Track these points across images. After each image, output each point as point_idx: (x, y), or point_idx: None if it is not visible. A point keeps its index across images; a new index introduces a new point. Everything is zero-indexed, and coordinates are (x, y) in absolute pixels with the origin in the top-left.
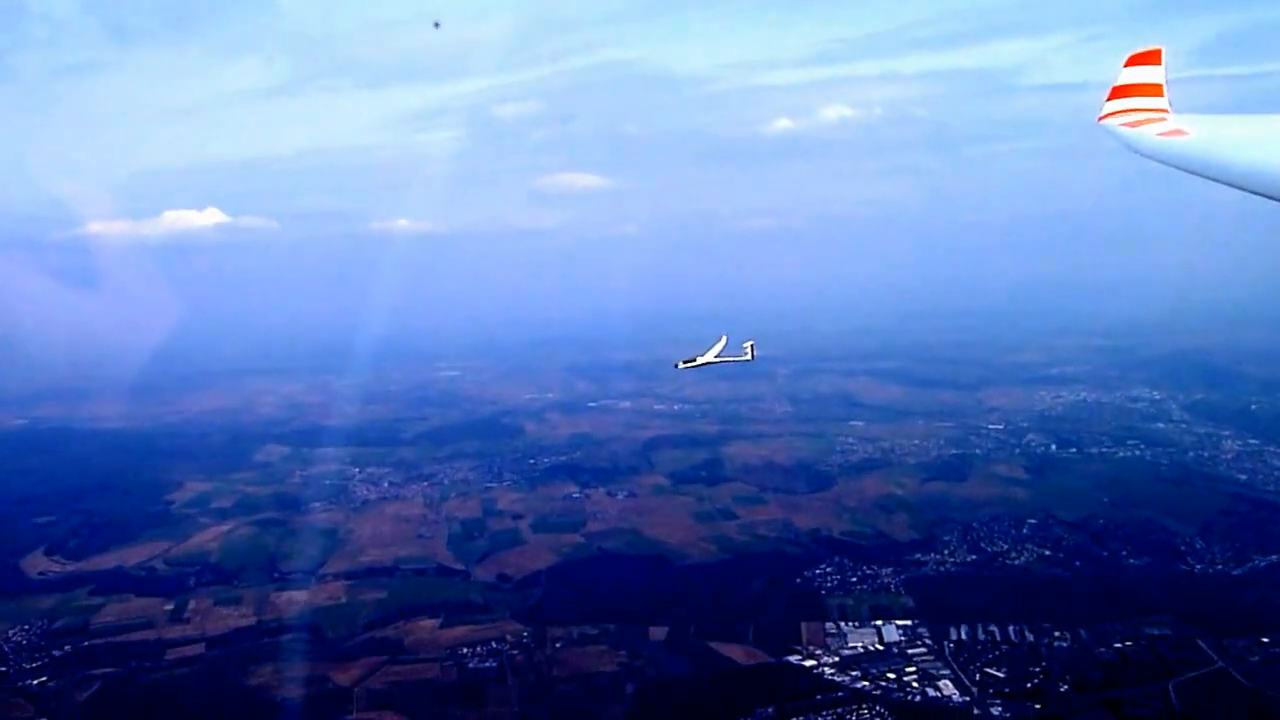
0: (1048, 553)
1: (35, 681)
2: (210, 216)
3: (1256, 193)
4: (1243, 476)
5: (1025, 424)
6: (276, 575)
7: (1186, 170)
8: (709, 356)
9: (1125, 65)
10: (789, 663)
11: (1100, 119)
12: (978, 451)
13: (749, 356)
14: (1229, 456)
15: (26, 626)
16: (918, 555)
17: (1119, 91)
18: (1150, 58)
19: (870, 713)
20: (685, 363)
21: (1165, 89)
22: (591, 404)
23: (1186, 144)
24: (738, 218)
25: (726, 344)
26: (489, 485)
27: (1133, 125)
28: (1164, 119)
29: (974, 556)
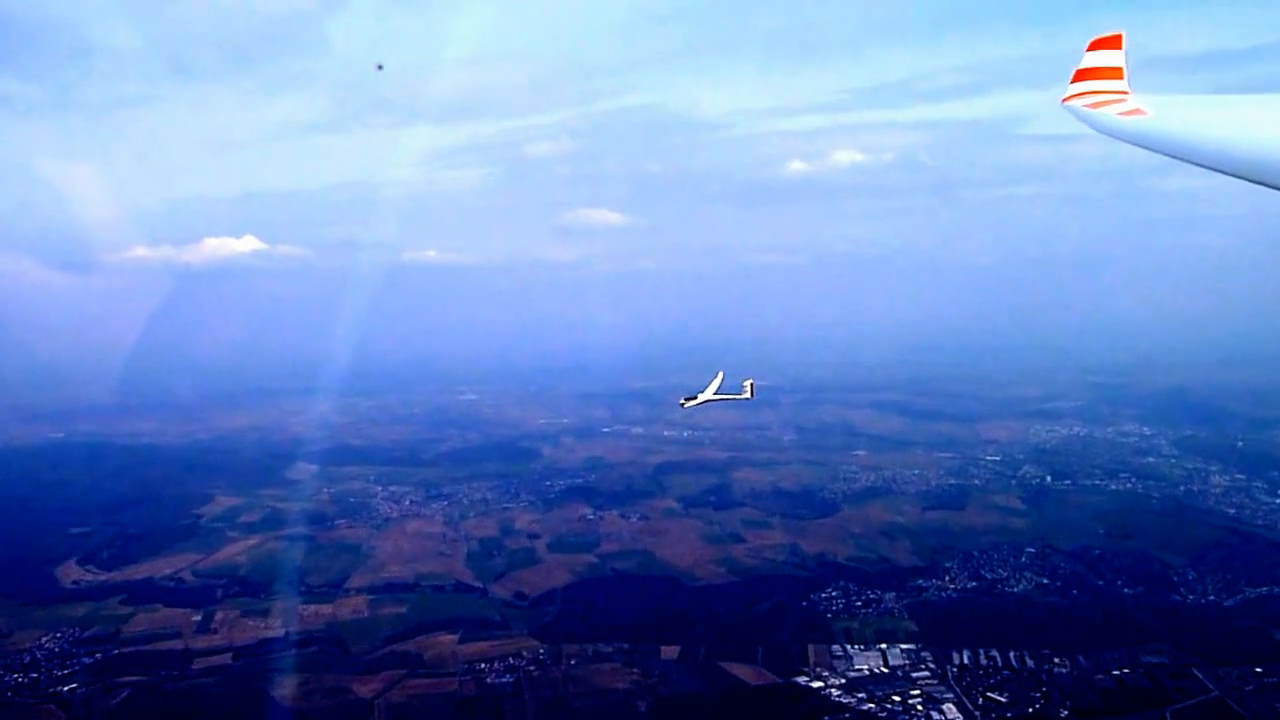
0: (1045, 581)
1: (66, 688)
2: (248, 244)
3: (1209, 168)
4: (1231, 510)
5: (1021, 456)
6: (302, 588)
7: (1145, 148)
8: (708, 394)
9: (1088, 50)
10: (797, 683)
11: (1064, 100)
12: (976, 482)
13: (748, 395)
14: (1218, 491)
15: (58, 634)
16: (920, 581)
17: (1082, 74)
18: (1112, 43)
19: None
20: (688, 400)
21: (1125, 72)
22: (605, 429)
23: (1145, 123)
24: (747, 253)
25: (724, 380)
26: (507, 505)
27: (1094, 106)
28: (1124, 100)
29: (974, 583)
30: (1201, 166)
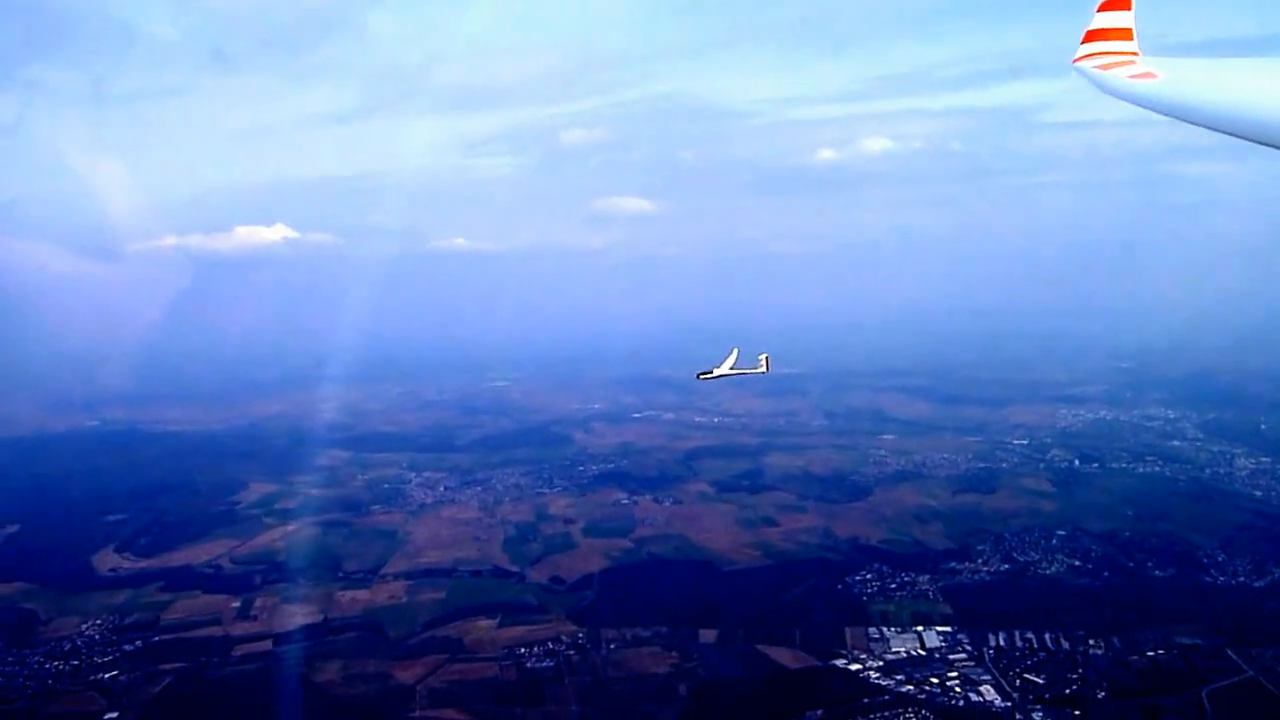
0: (1077, 563)
1: (107, 675)
2: (278, 232)
3: (1219, 130)
4: (1258, 493)
5: (1048, 440)
6: (339, 575)
7: (1155, 110)
8: (724, 369)
9: (1098, 11)
10: (835, 666)
11: (1074, 61)
12: (1004, 465)
13: (764, 369)
14: (1243, 474)
15: (98, 621)
16: (953, 564)
17: (1091, 35)
18: (1121, 3)
19: (916, 717)
20: (703, 375)
21: (1135, 33)
22: (636, 415)
23: (1155, 86)
24: (773, 240)
25: (739, 357)
26: (540, 491)
27: (1104, 68)
28: (1134, 62)
29: (1007, 566)
30: (1212, 129)
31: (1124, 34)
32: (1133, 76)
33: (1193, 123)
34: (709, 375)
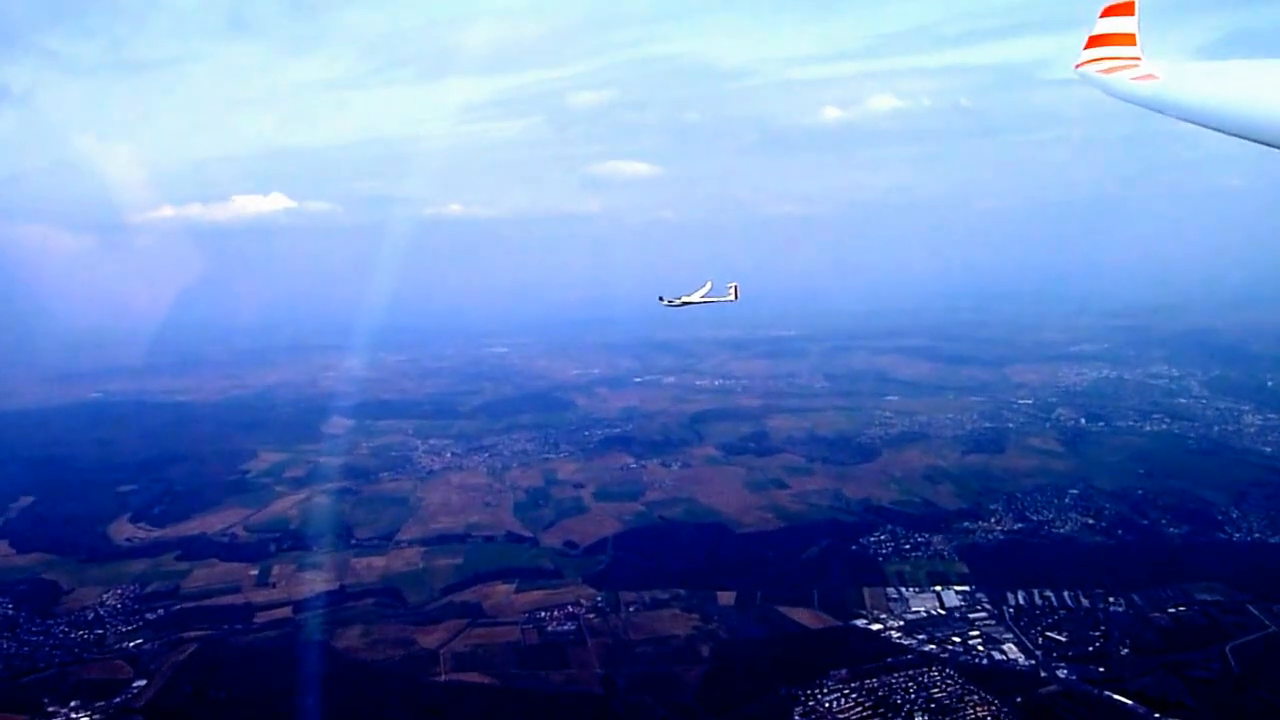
0: (1091, 521)
1: (132, 644)
2: (276, 201)
3: (1222, 131)
4: (1268, 449)
5: (1053, 399)
6: (353, 541)
7: (1158, 111)
8: (695, 297)
9: (1101, 16)
10: (856, 626)
11: (1077, 66)
12: (1010, 425)
13: (733, 297)
14: (1252, 430)
15: (120, 590)
16: (966, 524)
17: (1095, 40)
18: (1124, 9)
19: (940, 675)
20: (670, 301)
21: (1138, 38)
22: (636, 379)
23: (1157, 88)
24: (771, 203)
25: (711, 287)
26: (547, 456)
27: (1107, 71)
28: (1136, 65)
29: (1020, 525)
30: (1215, 130)
31: (1127, 39)
32: (1135, 79)
33: (1196, 123)
34: (676, 303)
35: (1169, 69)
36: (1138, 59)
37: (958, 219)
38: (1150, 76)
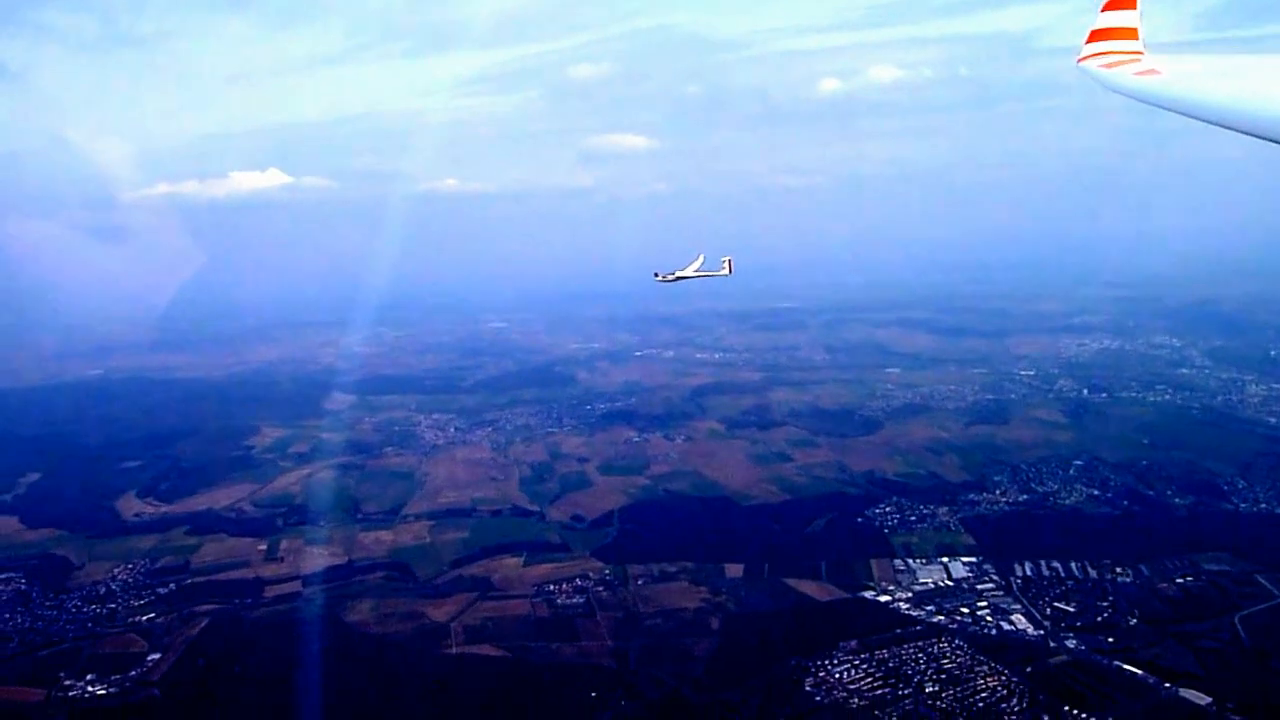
0: (1096, 492)
1: (144, 618)
2: (273, 177)
3: (1224, 126)
4: (1272, 419)
5: (1055, 370)
6: (360, 516)
7: (1160, 107)
8: (688, 271)
9: (1102, 10)
10: (865, 598)
11: (1079, 61)
12: (1013, 396)
13: (727, 271)
14: (1255, 400)
15: (130, 565)
16: (971, 495)
17: (1096, 35)
18: (1126, 3)
19: (950, 646)
20: (664, 276)
21: (1140, 32)
22: (637, 353)
23: (1160, 82)
24: (767, 175)
25: (705, 261)
26: (550, 430)
27: (1109, 66)
28: (1139, 60)
29: (1025, 496)
30: (1217, 125)
31: (1129, 33)
32: (1137, 74)
33: (1198, 119)
34: (671, 277)
35: (1172, 64)
36: (1140, 54)
37: (957, 190)
38: (1153, 72)
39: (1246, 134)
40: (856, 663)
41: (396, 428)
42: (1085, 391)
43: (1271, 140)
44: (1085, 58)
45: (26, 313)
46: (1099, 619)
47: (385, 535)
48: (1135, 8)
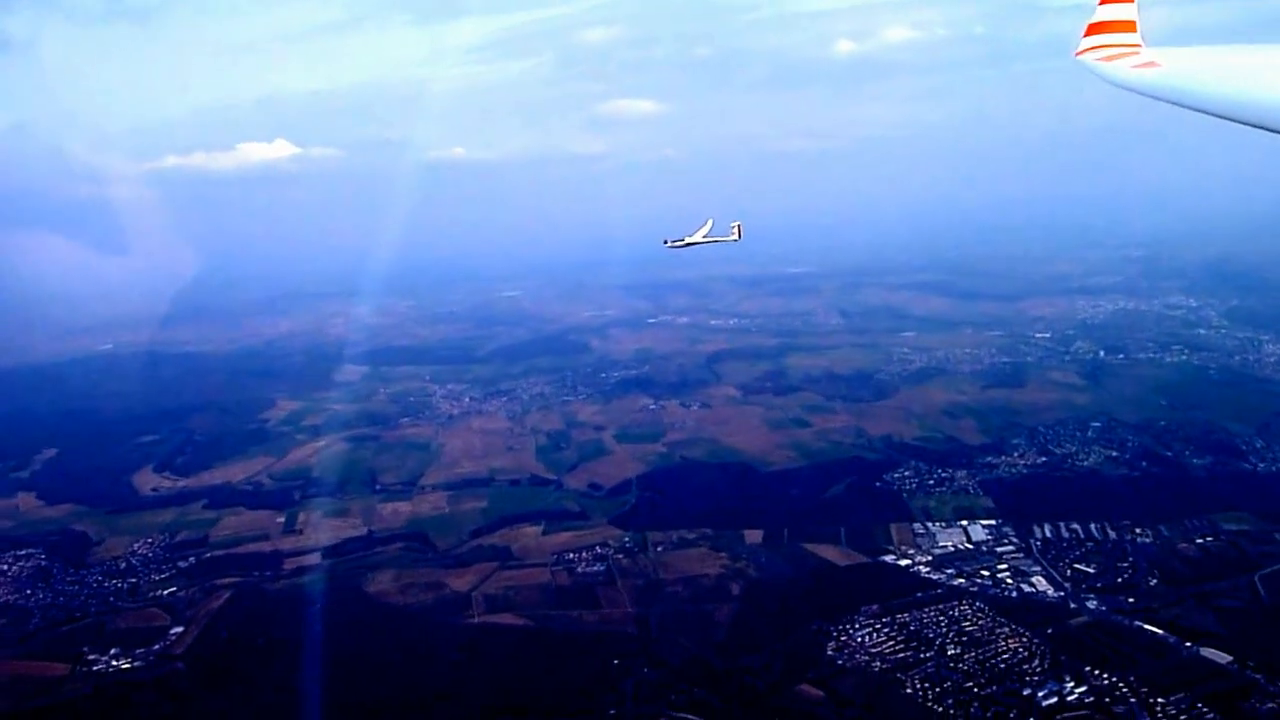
0: (1114, 454)
1: (165, 592)
2: (280, 148)
3: (1222, 117)
4: None
5: (1071, 332)
6: (378, 487)
7: (1159, 99)
8: (697, 237)
9: (1100, 3)
10: (885, 562)
11: (1077, 54)
12: (1029, 359)
13: (736, 237)
14: (1273, 360)
15: (149, 540)
16: (989, 458)
17: (1094, 28)
18: None
19: (971, 608)
20: (673, 242)
21: (1138, 25)
22: (650, 320)
23: (1158, 75)
24: (779, 139)
25: (713, 226)
26: (566, 399)
27: (1108, 60)
28: (1137, 53)
29: (1044, 459)
30: (1216, 117)
31: (1127, 26)
32: (1136, 67)
33: (1197, 110)
34: (679, 243)
35: (1170, 56)
36: (1138, 46)
37: (970, 151)
38: (1151, 64)
39: (1249, 125)
40: (878, 626)
41: (411, 398)
42: (1101, 353)
43: (1272, 130)
44: (1083, 51)
45: (33, 287)
46: (1119, 580)
47: (403, 506)
48: (1133, 0)
